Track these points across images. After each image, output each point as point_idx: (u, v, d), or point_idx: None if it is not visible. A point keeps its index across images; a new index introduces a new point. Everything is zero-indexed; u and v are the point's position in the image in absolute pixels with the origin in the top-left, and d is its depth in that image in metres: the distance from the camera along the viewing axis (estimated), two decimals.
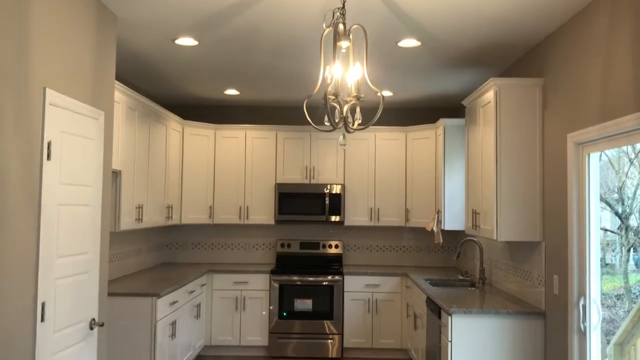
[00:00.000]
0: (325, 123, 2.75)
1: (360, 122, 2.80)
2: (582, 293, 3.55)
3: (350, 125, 2.76)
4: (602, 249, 10.21)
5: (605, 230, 10.32)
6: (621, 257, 10.67)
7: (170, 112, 5.95)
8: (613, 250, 10.61)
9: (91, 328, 3.30)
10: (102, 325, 3.39)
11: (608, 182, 10.12)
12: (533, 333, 4.08)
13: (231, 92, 6.20)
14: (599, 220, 3.57)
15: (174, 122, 6.09)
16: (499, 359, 4.06)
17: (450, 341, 4.08)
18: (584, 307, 3.52)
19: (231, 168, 6.69)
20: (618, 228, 10.45)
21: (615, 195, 10.32)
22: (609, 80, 3.23)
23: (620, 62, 3.09)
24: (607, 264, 10.50)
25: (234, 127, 6.72)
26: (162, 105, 5.95)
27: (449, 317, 4.09)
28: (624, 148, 8.91)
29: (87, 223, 3.27)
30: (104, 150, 3.48)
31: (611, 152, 9.16)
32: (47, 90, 2.79)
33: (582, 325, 3.54)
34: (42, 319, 2.78)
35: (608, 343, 5.82)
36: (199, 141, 6.58)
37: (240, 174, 6.69)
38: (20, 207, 2.60)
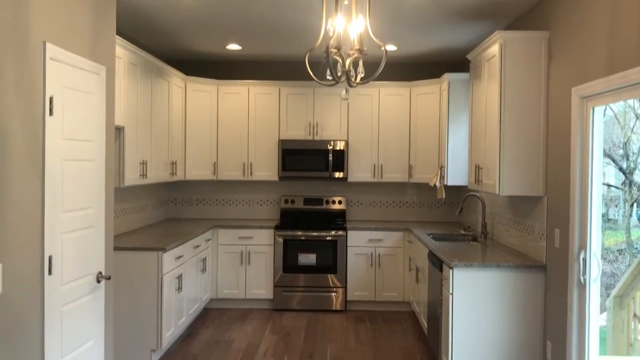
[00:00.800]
0: (328, 77, 2.73)
1: (362, 75, 2.78)
2: (582, 246, 3.58)
3: (353, 79, 2.74)
4: (606, 204, 10.25)
5: (609, 185, 10.33)
6: (624, 212, 10.70)
7: (172, 67, 5.90)
8: (616, 206, 10.64)
9: (98, 281, 3.36)
10: (109, 278, 3.45)
11: (613, 138, 10.08)
12: (533, 286, 4.13)
13: (233, 47, 6.13)
14: (601, 174, 3.57)
15: (176, 78, 6.05)
16: (500, 311, 4.13)
17: (452, 294, 4.15)
18: (584, 260, 3.56)
19: (234, 124, 6.67)
20: (622, 184, 10.45)
21: (620, 151, 10.29)
22: (615, 33, 3.17)
23: (627, 14, 3.03)
24: (609, 220, 10.56)
25: (236, 82, 6.67)
26: (164, 61, 5.89)
27: (450, 271, 4.15)
28: (630, 103, 8.82)
29: (91, 178, 3.30)
30: (106, 105, 3.47)
31: (617, 107, 9.09)
32: (47, 44, 2.77)
33: (582, 278, 3.58)
34: (50, 272, 2.84)
35: (608, 296, 5.91)
36: (202, 97, 6.54)
37: (243, 131, 6.68)
38: (25, 162, 2.62)
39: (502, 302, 4.14)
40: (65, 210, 2.98)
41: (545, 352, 4.09)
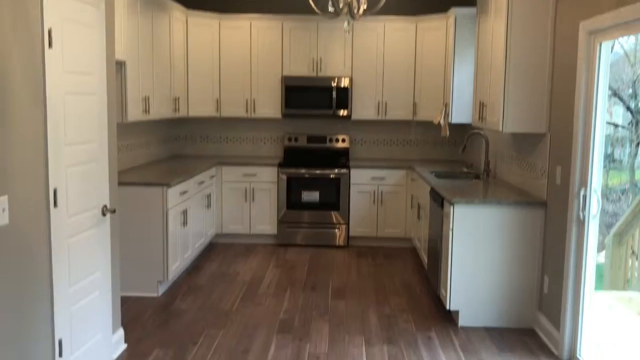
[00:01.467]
0: (330, 9, 2.68)
1: (365, 7, 2.72)
2: (583, 184, 3.60)
3: (356, 11, 2.68)
4: (612, 144, 10.21)
5: (616, 125, 10.26)
6: (630, 152, 10.67)
7: (173, 0, 5.78)
8: (622, 147, 10.60)
9: (103, 214, 3.42)
10: (113, 211, 3.51)
11: (623, 77, 9.92)
12: (533, 222, 4.18)
13: None
14: (605, 112, 3.54)
15: (177, 12, 5.94)
16: (499, 247, 4.20)
17: (452, 229, 4.20)
18: (585, 197, 3.58)
19: (237, 60, 6.59)
20: (629, 123, 10.37)
21: (630, 91, 10.15)
22: None
23: None
24: (615, 160, 10.54)
25: (238, 17, 6.54)
26: None
27: (451, 207, 4.19)
28: None
29: (94, 112, 3.29)
30: (106, 38, 3.42)
31: (628, 45, 8.90)
32: None
33: (581, 215, 3.62)
34: (55, 205, 2.88)
35: (609, 234, 5.98)
36: (203, 32, 6.44)
37: (246, 67, 6.60)
38: (26, 96, 2.62)
39: (501, 237, 4.20)
40: (68, 143, 3.00)
41: (542, 286, 4.18)
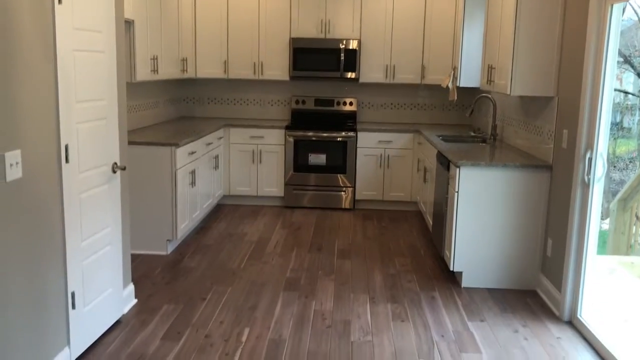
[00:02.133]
0: None
1: None
2: (589, 147, 3.61)
3: None
4: (621, 112, 10.15)
5: (627, 93, 10.18)
6: (639, 120, 10.60)
7: None
8: (632, 115, 10.53)
9: (114, 171, 3.47)
10: (124, 169, 3.56)
11: (635, 43, 9.79)
12: (538, 185, 4.21)
13: None
14: (614, 75, 3.53)
15: None
16: (503, 209, 4.24)
17: (457, 192, 4.24)
18: (590, 160, 3.60)
19: (245, 21, 6.55)
20: (639, 91, 10.28)
21: None
22: None
23: None
24: (623, 128, 10.48)
25: None
26: None
27: (457, 169, 4.22)
28: None
29: (103, 70, 3.32)
30: None
31: None
32: None
33: (586, 178, 3.64)
34: (67, 160, 2.93)
35: (614, 196, 6.00)
36: None
37: (254, 28, 6.57)
38: (37, 51, 2.64)
39: (506, 200, 4.24)
40: (78, 100, 3.03)
41: (545, 248, 4.23)
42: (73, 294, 3.05)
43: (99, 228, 3.34)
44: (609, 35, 3.47)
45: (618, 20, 3.49)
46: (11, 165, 2.45)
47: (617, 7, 3.45)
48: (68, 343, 3.03)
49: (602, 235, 5.70)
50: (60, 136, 2.86)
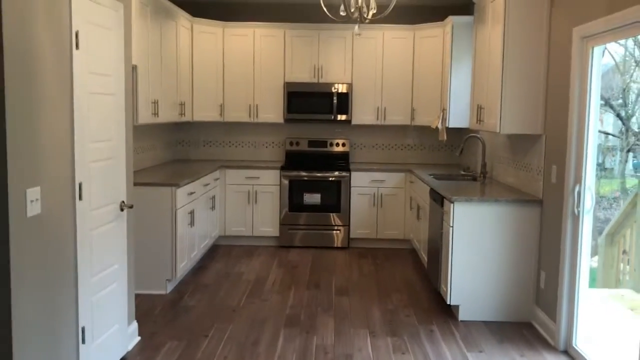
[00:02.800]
0: (341, 13, 2.86)
1: (375, 12, 2.91)
2: (577, 181, 3.79)
3: (365, 15, 2.87)
4: (602, 153, 10.47)
5: (607, 134, 10.52)
6: (620, 159, 10.93)
7: (179, 8, 5.97)
8: (613, 156, 10.87)
9: (121, 209, 3.57)
10: (131, 207, 3.66)
11: (613, 86, 10.20)
12: (530, 219, 4.37)
13: None
14: (598, 112, 3.75)
15: (183, 19, 6.12)
16: (497, 243, 4.38)
17: (452, 226, 4.38)
18: (579, 193, 3.77)
19: (240, 67, 6.77)
20: (619, 131, 10.64)
21: (620, 101, 10.42)
22: None
23: None
24: (606, 168, 10.80)
25: (242, 24, 6.74)
26: (170, 1, 5.94)
27: (452, 205, 4.37)
28: (631, 50, 8.92)
29: (113, 111, 3.46)
30: (124, 42, 3.60)
31: (618, 56, 9.16)
32: None
33: (576, 210, 3.80)
34: (80, 198, 3.04)
35: (600, 234, 6.18)
36: (208, 39, 6.62)
37: (249, 73, 6.78)
38: (56, 93, 2.78)
39: (500, 234, 4.38)
40: (91, 140, 3.16)
41: (539, 281, 4.36)
42: (83, 329, 3.11)
43: (107, 265, 3.41)
44: (591, 74, 3.70)
45: (599, 60, 3.73)
46: (32, 201, 2.55)
47: (597, 49, 3.69)
48: None
49: (592, 272, 5.85)
50: (75, 174, 2.97)
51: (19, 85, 2.45)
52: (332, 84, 6.74)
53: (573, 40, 3.81)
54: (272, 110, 6.84)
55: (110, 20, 3.39)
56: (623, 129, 10.47)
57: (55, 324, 2.83)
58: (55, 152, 2.78)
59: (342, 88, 6.73)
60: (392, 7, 2.81)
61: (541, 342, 4.09)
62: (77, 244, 3.01)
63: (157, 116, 5.28)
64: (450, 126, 6.22)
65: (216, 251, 6.46)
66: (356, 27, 3.02)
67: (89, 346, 3.18)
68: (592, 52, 3.69)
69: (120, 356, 3.65)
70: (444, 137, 6.39)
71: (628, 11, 3.14)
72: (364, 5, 2.85)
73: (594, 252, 6.24)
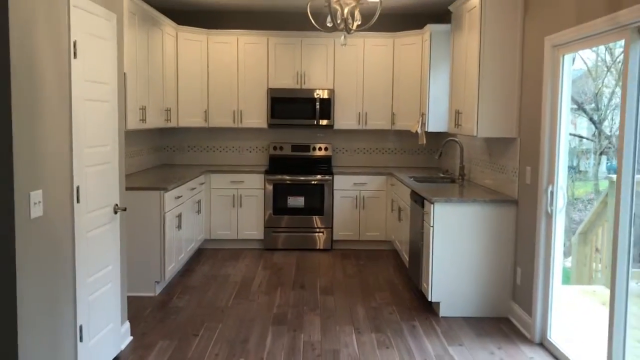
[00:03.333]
0: (328, 24, 3.03)
1: (359, 23, 3.09)
2: (550, 181, 4.00)
3: (351, 26, 3.05)
4: (577, 156, 10.80)
5: (581, 137, 10.86)
6: (594, 162, 11.29)
7: (165, 17, 6.09)
8: (587, 159, 11.22)
9: (115, 212, 3.69)
10: (124, 209, 3.79)
11: (586, 90, 10.54)
12: (506, 218, 4.58)
13: None
14: (569, 116, 3.97)
15: (168, 27, 6.25)
16: (475, 241, 4.58)
17: (432, 226, 4.57)
18: (552, 193, 3.99)
19: (224, 73, 6.91)
20: (593, 135, 10.99)
21: (592, 105, 10.78)
22: None
23: None
24: (580, 171, 11.14)
25: (226, 32, 6.88)
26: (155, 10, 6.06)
27: (432, 205, 4.56)
28: (602, 56, 9.25)
29: (107, 118, 3.58)
30: (117, 51, 3.72)
31: (590, 62, 9.50)
32: None
33: (549, 209, 4.02)
34: (78, 201, 3.16)
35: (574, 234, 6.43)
36: (193, 46, 6.75)
37: (233, 79, 6.93)
38: (56, 101, 2.90)
39: (478, 233, 4.58)
40: (88, 145, 3.28)
41: (515, 277, 4.57)
42: (81, 328, 3.23)
43: (102, 266, 3.53)
44: (562, 80, 3.92)
45: (569, 68, 3.95)
46: (34, 203, 2.67)
47: (567, 57, 3.91)
48: None
49: (566, 270, 6.08)
50: (73, 178, 3.09)
51: (24, 94, 2.57)
52: (314, 90, 6.91)
53: (545, 49, 4.03)
54: (256, 116, 6.98)
55: (104, 30, 3.52)
56: (596, 132, 10.83)
57: (55, 322, 2.94)
58: (55, 157, 2.90)
59: (324, 94, 6.91)
60: (376, 18, 2.98)
61: (518, 335, 4.29)
62: (75, 245, 3.13)
63: (145, 122, 5.39)
64: (429, 130, 6.43)
65: (202, 254, 6.57)
66: (342, 37, 3.19)
67: (86, 344, 3.29)
68: (563, 60, 3.91)
69: (114, 355, 3.76)
70: (423, 141, 6.60)
71: (595, 22, 3.36)
72: (349, 16, 3.02)
73: (569, 253, 6.50)
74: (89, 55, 3.28)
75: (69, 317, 3.11)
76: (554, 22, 3.94)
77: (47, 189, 2.81)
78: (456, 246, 4.59)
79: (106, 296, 3.61)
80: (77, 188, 3.15)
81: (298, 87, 6.94)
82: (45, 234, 2.80)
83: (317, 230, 6.81)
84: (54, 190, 2.89)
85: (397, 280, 5.70)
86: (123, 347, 3.93)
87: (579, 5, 3.58)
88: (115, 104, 3.71)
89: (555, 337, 4.04)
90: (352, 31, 3.06)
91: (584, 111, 10.64)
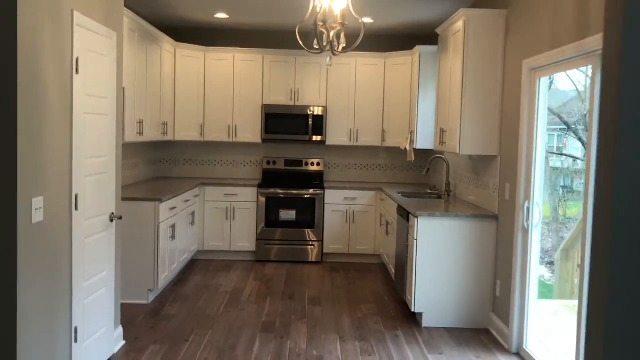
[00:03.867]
0: (315, 46, 3.25)
1: (344, 45, 3.30)
2: (527, 197, 4.20)
3: (336, 48, 3.26)
4: (570, 176, 11.02)
5: (575, 158, 11.09)
6: (585, 182, 11.48)
7: (164, 34, 6.32)
8: (580, 179, 11.42)
9: (111, 220, 3.87)
10: (120, 218, 3.97)
11: (576, 112, 10.79)
12: (487, 232, 4.77)
13: (221, 15, 6.56)
14: (545, 134, 4.18)
15: (167, 44, 6.48)
16: (457, 255, 4.77)
17: (416, 239, 4.76)
18: (528, 208, 4.19)
19: (220, 89, 7.13)
20: (584, 155, 11.22)
21: (582, 127, 11.03)
22: (557, 14, 3.75)
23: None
24: (574, 191, 11.34)
25: (222, 49, 7.11)
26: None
27: (416, 219, 4.76)
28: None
29: (106, 130, 3.78)
30: (117, 67, 3.93)
31: (581, 85, 9.77)
32: (75, 12, 3.23)
33: (525, 224, 4.21)
34: (76, 208, 3.34)
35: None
36: (190, 62, 6.98)
37: (229, 95, 7.15)
38: (58, 113, 3.10)
39: (460, 247, 4.77)
40: (86, 156, 3.47)
41: (495, 289, 4.75)
42: (76, 329, 3.39)
43: (97, 271, 3.71)
44: (538, 101, 4.14)
45: (545, 90, 4.17)
46: (36, 209, 2.85)
47: (543, 80, 4.13)
48: None
49: (548, 286, 6.26)
50: (72, 186, 3.28)
51: (29, 106, 2.77)
52: (307, 107, 7.13)
53: (523, 71, 4.26)
54: (251, 131, 7.20)
55: (105, 47, 3.73)
56: (586, 152, 11.05)
57: (52, 322, 3.11)
58: (56, 166, 3.09)
59: (317, 110, 7.13)
60: (359, 41, 3.19)
61: (496, 345, 4.47)
62: (72, 250, 3.30)
63: (142, 135, 5.59)
64: (417, 147, 6.64)
65: (195, 265, 6.74)
66: (328, 58, 3.40)
67: (80, 346, 3.46)
68: (539, 82, 4.13)
69: (107, 357, 3.92)
70: (412, 157, 6.81)
71: (566, 47, 3.59)
72: (335, 39, 3.24)
73: (552, 269, 6.67)
74: (89, 70, 3.48)
75: (65, 318, 3.28)
76: (531, 47, 4.17)
77: (48, 196, 3.00)
78: (439, 259, 4.77)
79: (100, 300, 3.78)
80: (76, 196, 3.33)
81: (292, 103, 7.16)
82: (45, 239, 2.98)
83: (309, 243, 6.99)
84: (54, 197, 3.07)
85: (384, 292, 5.87)
86: (116, 350, 4.09)
87: (553, 32, 3.81)
88: (114, 117, 3.91)
89: (531, 347, 4.21)
90: (337, 53, 3.27)
91: (574, 132, 10.89)
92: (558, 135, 7.78)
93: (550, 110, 5.67)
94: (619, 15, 1.74)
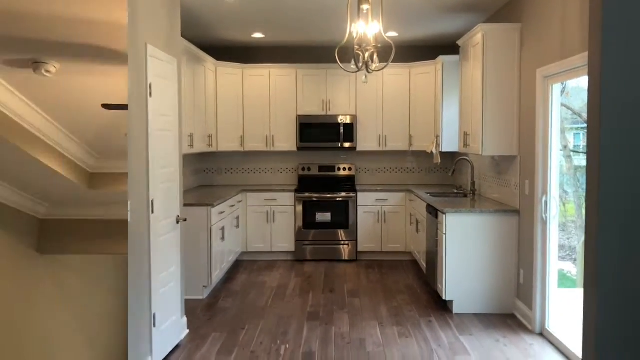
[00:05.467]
0: (352, 66, 3.78)
1: (377, 64, 3.83)
2: (544, 192, 4.67)
3: (371, 67, 3.79)
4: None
5: None
6: None
7: (206, 54, 6.93)
8: None
9: (177, 222, 4.45)
10: (185, 220, 4.54)
11: None
12: (510, 225, 5.23)
13: (257, 35, 7.15)
14: (559, 135, 4.65)
15: (209, 63, 7.08)
16: (483, 246, 5.24)
17: (445, 234, 5.25)
18: (546, 202, 4.65)
19: (258, 102, 7.72)
20: None
21: None
22: (565, 28, 4.23)
23: (574, 13, 4.08)
24: None
25: (259, 66, 7.70)
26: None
27: (444, 216, 5.25)
28: None
29: (172, 144, 4.36)
30: (178, 88, 4.52)
31: None
32: (148, 45, 3.81)
33: (544, 216, 4.67)
34: (152, 211, 3.92)
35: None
36: (230, 79, 7.58)
37: (265, 107, 7.73)
38: (138, 131, 3.69)
39: (485, 239, 5.24)
40: (158, 167, 4.05)
41: (519, 277, 5.20)
42: (154, 315, 3.96)
43: (169, 265, 4.28)
44: (552, 106, 4.61)
45: (558, 96, 4.64)
46: (128, 211, 3.43)
47: (556, 86, 4.60)
48: (151, 353, 3.91)
49: (571, 278, 6.67)
50: (149, 193, 3.86)
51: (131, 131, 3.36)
52: (338, 116, 7.67)
53: (537, 79, 4.73)
54: (286, 140, 7.76)
55: (168, 72, 4.32)
56: None
57: (138, 309, 3.68)
58: (137, 175, 3.67)
59: (347, 119, 7.66)
60: (391, 60, 3.71)
61: (521, 328, 4.92)
62: (150, 246, 3.88)
63: (193, 147, 6.19)
64: (443, 150, 7.12)
65: (240, 265, 7.31)
66: (363, 77, 3.93)
67: (158, 329, 4.03)
68: (552, 89, 4.60)
69: (176, 343, 4.48)
70: (438, 160, 7.29)
71: (574, 58, 4.06)
72: (369, 59, 3.77)
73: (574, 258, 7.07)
74: (159, 93, 4.06)
75: (146, 305, 3.85)
76: (544, 57, 4.64)
77: (134, 201, 3.58)
78: (467, 251, 5.25)
79: (171, 292, 4.35)
80: (152, 201, 3.91)
81: (324, 113, 7.71)
82: (132, 236, 3.56)
83: (343, 242, 7.51)
84: (137, 202, 3.65)
85: (416, 285, 6.36)
86: (182, 337, 4.66)
87: (562, 43, 4.28)
88: (177, 133, 4.49)
89: (554, 328, 4.66)
90: (372, 71, 3.80)
91: None
92: (584, 134, 8.20)
93: (572, 110, 6.13)
94: (599, 35, 2.25)
